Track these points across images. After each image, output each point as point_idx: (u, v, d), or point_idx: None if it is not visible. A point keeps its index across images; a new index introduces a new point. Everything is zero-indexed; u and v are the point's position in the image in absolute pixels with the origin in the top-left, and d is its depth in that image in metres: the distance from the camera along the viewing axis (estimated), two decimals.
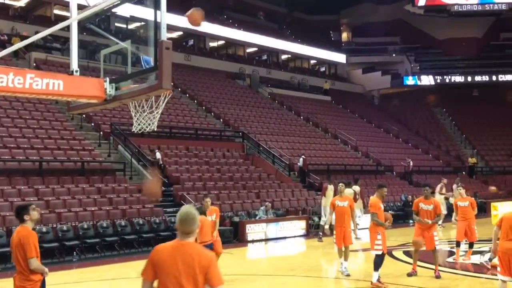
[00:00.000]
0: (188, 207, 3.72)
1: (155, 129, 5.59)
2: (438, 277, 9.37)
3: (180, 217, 3.58)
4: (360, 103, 40.70)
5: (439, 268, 9.65)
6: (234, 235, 15.73)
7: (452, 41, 42.68)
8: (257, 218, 16.69)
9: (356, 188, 16.44)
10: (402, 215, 20.88)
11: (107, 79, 5.26)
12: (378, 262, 8.69)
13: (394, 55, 44.40)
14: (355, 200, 15.08)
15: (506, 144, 35.79)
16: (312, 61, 43.55)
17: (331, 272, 10.27)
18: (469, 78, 41.37)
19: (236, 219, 16.41)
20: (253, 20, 40.74)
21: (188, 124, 23.46)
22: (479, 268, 10.35)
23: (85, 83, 5.23)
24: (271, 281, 9.56)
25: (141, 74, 5.13)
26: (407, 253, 12.20)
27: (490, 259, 10.34)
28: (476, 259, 11.23)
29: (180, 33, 34.35)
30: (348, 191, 13.47)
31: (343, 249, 9.86)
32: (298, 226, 17.35)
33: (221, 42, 37.56)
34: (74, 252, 12.68)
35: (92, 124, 20.42)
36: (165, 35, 4.75)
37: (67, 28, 5.53)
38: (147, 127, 5.73)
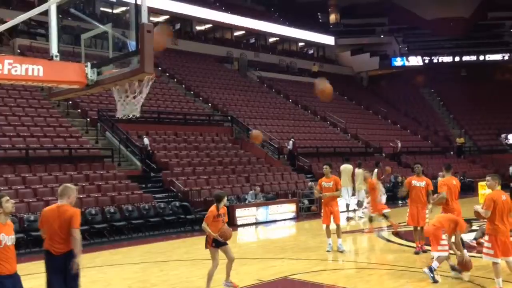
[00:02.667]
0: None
1: (138, 115, 5.50)
2: (417, 253, 9.58)
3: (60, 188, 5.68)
4: (349, 85, 40.67)
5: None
6: None
7: (439, 21, 42.63)
8: (246, 202, 16.70)
9: (359, 171, 16.44)
10: (391, 196, 20.99)
11: (89, 64, 5.15)
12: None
13: (382, 36, 44.33)
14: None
15: (493, 123, 36.07)
16: (300, 44, 43.33)
17: (321, 254, 10.33)
18: (457, 58, 41.53)
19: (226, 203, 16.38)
20: (240, 2, 40.33)
21: (176, 109, 23.30)
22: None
23: (66, 68, 5.11)
24: (262, 265, 9.59)
25: (122, 58, 5.02)
26: (396, 234, 12.31)
27: (475, 238, 10.46)
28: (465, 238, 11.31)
29: (166, 17, 33.93)
30: (359, 172, 16.05)
31: (334, 227, 10.37)
32: (288, 209, 17.40)
33: (208, 26, 37.17)
34: None
35: (79, 110, 20.21)
36: (146, 17, 4.63)
37: None
38: (131, 112, 5.64)
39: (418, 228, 9.69)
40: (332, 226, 10.50)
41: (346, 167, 16.94)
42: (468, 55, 41.40)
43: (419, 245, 9.78)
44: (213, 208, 7.36)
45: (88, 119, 19.53)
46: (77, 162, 16.19)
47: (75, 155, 16.51)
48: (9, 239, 4.99)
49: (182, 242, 13.10)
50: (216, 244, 7.31)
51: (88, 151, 17.24)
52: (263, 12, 41.48)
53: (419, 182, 9.64)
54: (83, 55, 5.58)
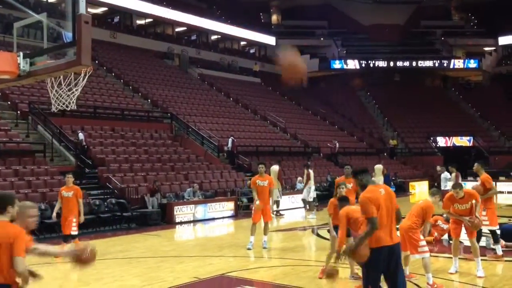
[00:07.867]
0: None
1: (74, 107, 5.33)
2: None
3: None
4: (289, 85, 41.20)
5: None
6: (162, 217, 15.55)
7: (376, 27, 44.17)
8: (184, 200, 16.57)
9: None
10: (328, 195, 21.53)
11: (21, 53, 4.93)
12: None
13: (322, 39, 45.29)
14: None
15: (423, 127, 37.83)
16: (242, 43, 43.46)
17: (259, 252, 10.43)
18: (391, 63, 43.14)
19: (164, 200, 16.21)
20: None
21: (114, 104, 22.71)
22: None
23: None
24: (199, 262, 9.56)
25: (57, 49, 4.85)
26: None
27: None
28: None
29: (105, 9, 32.99)
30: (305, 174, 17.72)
31: (259, 225, 10.67)
32: (227, 207, 17.44)
33: (148, 20, 36.46)
34: None
35: (8, 102, 19.24)
36: (84, 8, 4.50)
37: None
38: (67, 106, 5.46)
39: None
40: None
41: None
42: (402, 61, 43.14)
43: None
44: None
45: (18, 112, 18.63)
46: (6, 156, 15.41)
47: (3, 149, 15.71)
48: None
49: (117, 240, 12.80)
50: None
51: (18, 145, 16.45)
52: (205, 9, 41.23)
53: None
54: (15, 44, 5.35)
